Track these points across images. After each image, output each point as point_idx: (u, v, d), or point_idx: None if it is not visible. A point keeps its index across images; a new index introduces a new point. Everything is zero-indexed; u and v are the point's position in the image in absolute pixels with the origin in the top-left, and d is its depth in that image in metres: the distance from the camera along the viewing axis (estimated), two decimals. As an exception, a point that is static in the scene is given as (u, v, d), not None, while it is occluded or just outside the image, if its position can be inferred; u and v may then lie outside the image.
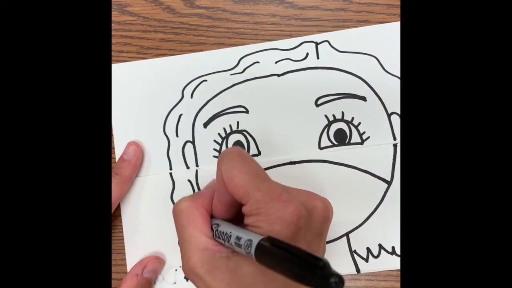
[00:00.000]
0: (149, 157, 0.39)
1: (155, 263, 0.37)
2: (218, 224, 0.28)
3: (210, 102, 0.39)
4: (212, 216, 0.30)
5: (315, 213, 0.27)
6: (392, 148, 0.37)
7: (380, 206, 0.37)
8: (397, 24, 0.38)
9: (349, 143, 0.37)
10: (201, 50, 0.40)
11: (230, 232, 0.26)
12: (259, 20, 0.40)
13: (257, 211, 0.25)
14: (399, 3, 0.39)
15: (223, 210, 0.29)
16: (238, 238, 0.25)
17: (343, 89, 0.38)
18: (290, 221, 0.25)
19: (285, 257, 0.21)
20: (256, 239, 0.23)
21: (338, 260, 0.36)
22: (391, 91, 0.38)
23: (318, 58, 0.38)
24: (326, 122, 0.38)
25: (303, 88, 0.38)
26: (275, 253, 0.21)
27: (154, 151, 0.39)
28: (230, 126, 0.38)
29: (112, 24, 0.40)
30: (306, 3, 0.39)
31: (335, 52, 0.38)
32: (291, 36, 0.39)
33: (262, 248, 0.23)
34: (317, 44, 0.39)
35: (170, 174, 0.38)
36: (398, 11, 0.39)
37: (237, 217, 0.29)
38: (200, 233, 0.28)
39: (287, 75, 0.38)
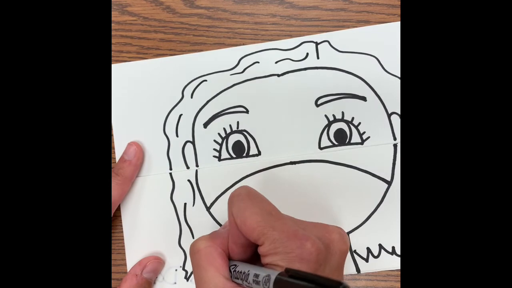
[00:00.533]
0: (149, 157, 0.39)
1: (155, 263, 0.37)
2: (235, 265, 0.28)
3: (210, 102, 0.39)
4: (229, 258, 0.29)
5: (333, 246, 0.26)
6: (392, 148, 0.37)
7: (380, 206, 0.37)
8: (397, 24, 0.38)
9: (349, 143, 0.37)
10: (201, 50, 0.40)
11: (248, 271, 0.26)
12: (259, 20, 0.40)
13: (275, 251, 0.25)
14: (399, 3, 0.39)
15: (240, 251, 0.28)
16: (256, 275, 0.25)
17: (343, 89, 0.38)
18: (309, 259, 0.24)
19: (305, 286, 0.21)
20: (274, 274, 0.23)
21: (338, 260, 0.36)
22: (391, 91, 0.38)
23: (318, 58, 0.38)
24: (326, 122, 0.38)
25: (303, 88, 0.38)
26: (295, 285, 0.21)
27: (154, 151, 0.39)
28: (230, 126, 0.38)
29: (112, 24, 0.40)
30: (306, 3, 0.39)
31: (335, 52, 0.38)
32: (291, 36, 0.39)
33: (281, 281, 0.23)
34: (317, 44, 0.39)
35: (170, 174, 0.38)
36: (398, 11, 0.39)
37: (253, 258, 0.29)
38: (219, 275, 0.27)
39: (287, 75, 0.38)
